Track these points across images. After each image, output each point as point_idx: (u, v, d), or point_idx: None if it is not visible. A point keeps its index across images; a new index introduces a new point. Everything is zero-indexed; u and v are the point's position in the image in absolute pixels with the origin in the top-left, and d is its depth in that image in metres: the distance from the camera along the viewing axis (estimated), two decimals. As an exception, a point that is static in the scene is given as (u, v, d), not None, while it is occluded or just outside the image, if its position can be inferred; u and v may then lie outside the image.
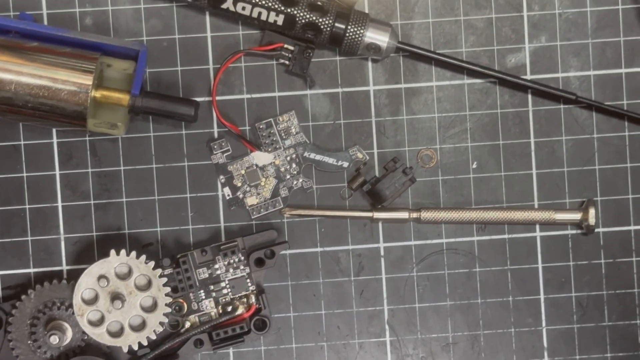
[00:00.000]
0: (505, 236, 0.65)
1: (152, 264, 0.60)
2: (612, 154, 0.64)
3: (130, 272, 0.60)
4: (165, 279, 0.60)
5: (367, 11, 0.63)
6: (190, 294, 0.62)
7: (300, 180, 0.64)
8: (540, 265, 0.65)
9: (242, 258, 0.62)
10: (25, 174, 0.63)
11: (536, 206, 0.64)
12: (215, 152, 0.64)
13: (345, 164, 0.64)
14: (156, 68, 0.63)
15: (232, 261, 0.62)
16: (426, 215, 0.63)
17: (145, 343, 0.60)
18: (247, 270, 0.62)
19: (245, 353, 0.64)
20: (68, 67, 0.59)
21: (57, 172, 0.64)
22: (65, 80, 0.58)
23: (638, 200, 0.65)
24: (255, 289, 0.62)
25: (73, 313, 0.60)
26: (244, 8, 0.60)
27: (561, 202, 0.65)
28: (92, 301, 0.60)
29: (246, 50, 0.63)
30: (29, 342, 0.61)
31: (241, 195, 0.64)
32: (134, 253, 0.60)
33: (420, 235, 0.64)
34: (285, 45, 0.63)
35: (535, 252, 0.65)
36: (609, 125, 0.64)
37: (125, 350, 0.60)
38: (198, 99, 0.62)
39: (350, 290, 0.64)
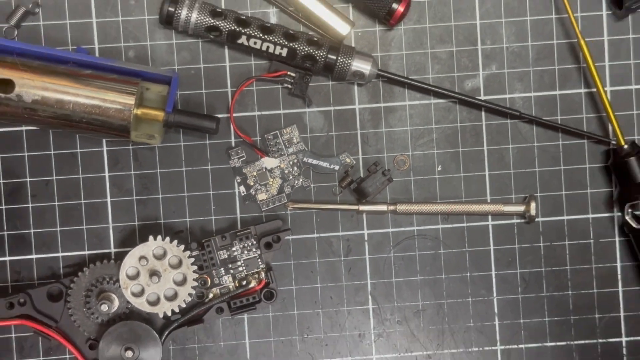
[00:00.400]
0: (464, 225, 0.65)
1: (182, 247, 0.60)
2: (548, 159, 0.64)
3: (165, 254, 0.60)
4: (193, 259, 0.60)
5: (353, 45, 0.63)
6: (213, 271, 0.61)
7: (301, 180, 0.64)
8: (492, 248, 0.65)
9: (254, 242, 0.61)
10: (81, 176, 0.63)
11: (488, 200, 0.64)
12: (232, 158, 0.64)
13: (337, 167, 0.64)
14: (185, 91, 0.63)
15: (246, 245, 0.61)
16: (401, 208, 0.63)
17: (177, 310, 0.60)
18: (258, 252, 0.62)
19: (257, 318, 0.64)
20: (115, 90, 0.59)
21: (107, 174, 0.64)
22: (112, 100, 0.59)
23: (569, 196, 0.65)
24: (264, 267, 0.62)
25: (119, 286, 0.60)
26: (255, 43, 0.61)
27: (508, 197, 0.65)
28: (134, 277, 0.60)
29: (257, 77, 0.63)
30: (84, 309, 0.60)
31: (253, 192, 0.64)
32: (168, 238, 0.60)
33: (396, 224, 0.65)
34: (289, 73, 0.63)
35: (488, 237, 0.65)
36: (546, 136, 0.64)
37: (161, 316, 0.60)
38: (219, 115, 0.62)
39: (340, 268, 0.65)
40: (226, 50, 0.64)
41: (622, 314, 0.65)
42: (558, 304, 0.65)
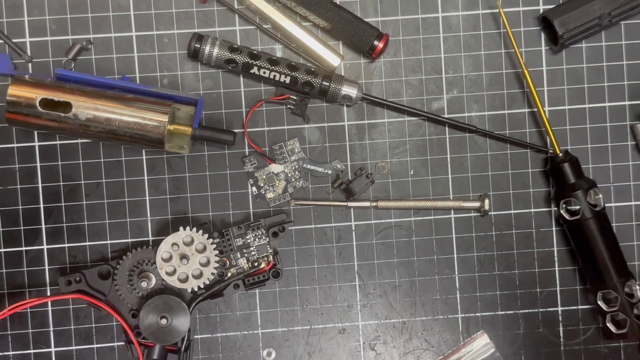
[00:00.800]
0: (432, 217, 0.65)
1: (206, 235, 0.61)
2: (499, 165, 0.65)
3: (192, 241, 0.61)
4: (215, 245, 0.61)
5: (343, 74, 0.64)
6: (231, 255, 0.62)
7: (301, 182, 0.65)
8: (454, 236, 0.65)
9: (264, 232, 0.62)
10: (125, 179, 0.64)
11: (451, 198, 0.65)
12: (246, 164, 0.64)
13: (330, 172, 0.64)
14: (209, 111, 0.64)
15: (257, 234, 0.62)
16: (381, 204, 0.64)
17: (202, 286, 0.61)
18: (267, 239, 0.62)
19: (266, 292, 0.65)
20: (152, 110, 0.60)
21: (146, 177, 0.64)
22: (150, 118, 0.59)
23: (515, 194, 0.65)
24: (272, 252, 0.62)
25: (156, 267, 0.61)
26: (264, 72, 0.62)
27: (467, 195, 0.65)
28: (168, 260, 0.61)
29: (266, 99, 0.64)
30: (127, 286, 0.61)
31: (263, 192, 0.65)
32: (195, 229, 0.61)
33: (377, 216, 0.65)
34: (291, 96, 0.63)
35: (451, 227, 0.65)
36: (497, 146, 0.65)
37: (189, 291, 0.61)
38: (235, 130, 0.63)
39: (333, 252, 0.65)
40: (241, 78, 0.64)
41: (558, 288, 0.66)
42: (507, 281, 0.66)
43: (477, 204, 0.65)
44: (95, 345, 0.64)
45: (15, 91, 0.59)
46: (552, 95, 0.65)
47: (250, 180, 0.65)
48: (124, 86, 0.61)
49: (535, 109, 0.65)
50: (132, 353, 0.61)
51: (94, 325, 0.65)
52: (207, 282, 0.61)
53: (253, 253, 0.63)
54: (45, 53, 0.63)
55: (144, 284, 0.61)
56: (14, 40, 0.64)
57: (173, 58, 0.64)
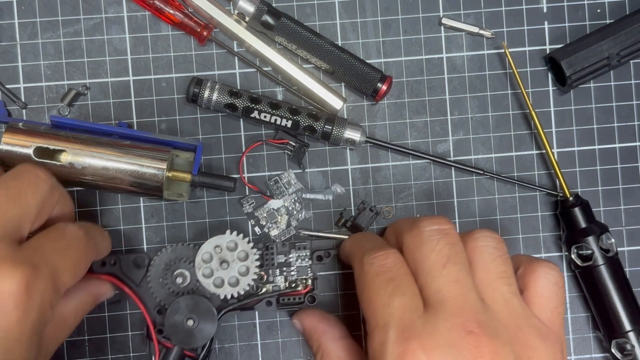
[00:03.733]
0: None
1: (251, 244, 0.59)
2: (507, 208, 0.64)
3: (236, 247, 0.59)
4: (257, 256, 0.59)
5: (345, 117, 0.63)
6: (270, 270, 0.61)
7: (303, 212, 0.63)
8: None
9: (308, 253, 0.61)
10: (122, 227, 0.63)
11: None
12: (244, 205, 0.63)
13: (331, 197, 0.63)
14: (208, 156, 0.63)
15: (301, 255, 0.61)
16: None
17: (235, 295, 0.59)
18: (310, 262, 0.61)
19: (269, 344, 0.63)
20: (150, 157, 0.59)
21: (143, 225, 0.63)
22: (148, 165, 0.58)
23: (525, 238, 0.64)
24: (312, 276, 0.61)
25: (193, 266, 0.59)
26: (265, 116, 0.61)
27: None
28: (207, 261, 0.59)
29: (264, 140, 0.62)
30: (160, 279, 0.60)
31: (267, 230, 0.63)
32: (241, 235, 0.59)
33: None
34: (290, 142, 0.62)
35: None
36: (505, 189, 0.64)
37: (222, 297, 0.59)
38: (236, 176, 0.62)
39: None
40: (241, 122, 0.63)
41: (570, 336, 0.65)
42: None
43: (485, 249, 0.63)
44: (108, 335, 0.63)
45: (9, 139, 0.58)
46: (561, 137, 0.65)
47: (252, 220, 0.63)
48: (121, 132, 0.60)
49: (544, 151, 0.64)
50: (149, 350, 0.59)
51: (107, 313, 0.63)
52: (242, 293, 0.60)
53: (293, 273, 0.62)
54: (40, 99, 0.62)
55: (179, 280, 0.59)
56: (7, 86, 0.62)
57: (171, 103, 0.63)
